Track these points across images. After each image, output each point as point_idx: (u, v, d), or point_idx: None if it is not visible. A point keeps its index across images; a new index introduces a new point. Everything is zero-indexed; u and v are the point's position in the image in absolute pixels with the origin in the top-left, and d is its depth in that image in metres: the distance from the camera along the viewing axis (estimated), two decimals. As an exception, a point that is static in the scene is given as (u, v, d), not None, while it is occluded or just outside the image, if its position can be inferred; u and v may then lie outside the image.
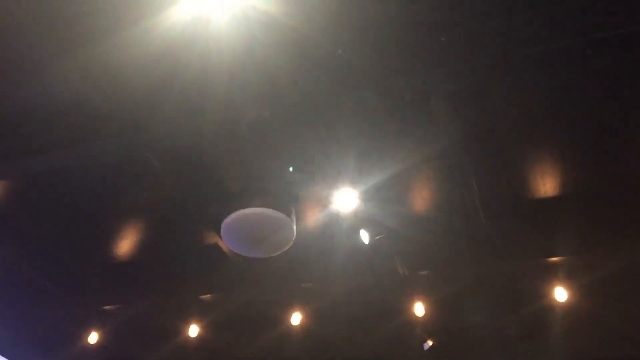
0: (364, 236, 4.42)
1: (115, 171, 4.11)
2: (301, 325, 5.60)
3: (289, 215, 3.78)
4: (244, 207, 3.69)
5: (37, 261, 5.30)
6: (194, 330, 5.90)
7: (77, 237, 4.99)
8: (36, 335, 6.17)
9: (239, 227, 3.76)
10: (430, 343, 5.37)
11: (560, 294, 4.87)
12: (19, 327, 6.00)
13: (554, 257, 4.74)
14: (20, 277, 5.42)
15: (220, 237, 3.95)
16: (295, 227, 3.87)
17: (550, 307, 5.01)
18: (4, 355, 6.07)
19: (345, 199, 4.08)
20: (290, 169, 3.63)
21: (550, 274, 4.87)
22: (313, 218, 4.46)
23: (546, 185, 4.19)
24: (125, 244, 5.12)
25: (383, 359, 5.81)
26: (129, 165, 4.01)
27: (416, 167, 4.00)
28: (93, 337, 6.03)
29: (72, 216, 4.70)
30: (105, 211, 4.64)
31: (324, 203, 4.20)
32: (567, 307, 4.96)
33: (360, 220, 4.30)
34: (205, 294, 5.66)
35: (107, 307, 5.90)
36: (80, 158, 3.84)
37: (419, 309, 5.24)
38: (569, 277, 4.83)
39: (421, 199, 4.39)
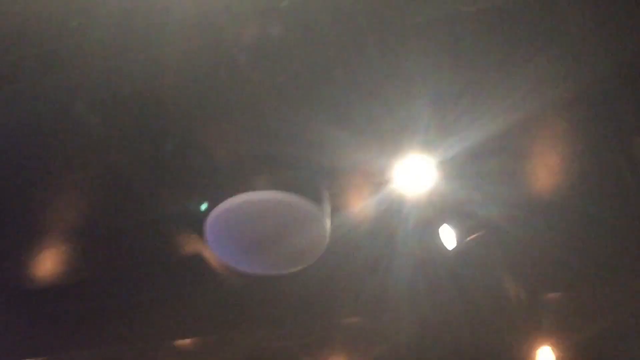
0: (447, 237, 4.46)
1: (28, 136, 4.14)
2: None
3: (318, 203, 3.81)
4: (242, 192, 3.72)
5: None
6: (166, 396, 6.06)
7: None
8: None
9: (235, 225, 3.81)
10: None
11: None
12: None
13: None
14: None
15: (206, 243, 3.99)
16: (329, 224, 3.88)
17: None
18: None
19: (414, 175, 4.13)
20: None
21: None
22: (359, 207, 4.48)
23: None
24: (52, 259, 5.21)
25: None
26: (51, 127, 4.05)
27: (537, 119, 3.95)
28: (6, 408, 6.25)
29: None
30: (17, 204, 4.71)
31: (378, 182, 4.23)
32: None
33: (440, 209, 4.35)
34: (181, 338, 5.79)
35: (27, 362, 6.10)
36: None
37: (546, 356, 5.26)
38: None
39: (547, 172, 4.37)
